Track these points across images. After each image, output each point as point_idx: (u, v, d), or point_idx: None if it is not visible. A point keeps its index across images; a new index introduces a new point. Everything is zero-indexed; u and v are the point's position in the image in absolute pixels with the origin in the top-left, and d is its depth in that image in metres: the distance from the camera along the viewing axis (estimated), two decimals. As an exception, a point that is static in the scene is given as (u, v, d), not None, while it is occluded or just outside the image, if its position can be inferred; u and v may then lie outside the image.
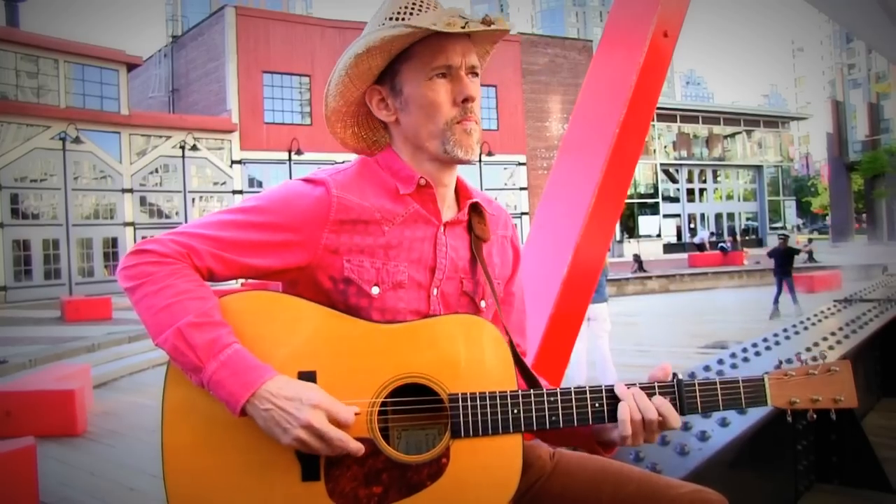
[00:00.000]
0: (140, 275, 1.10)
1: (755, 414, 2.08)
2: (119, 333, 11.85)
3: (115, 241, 23.29)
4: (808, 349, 3.00)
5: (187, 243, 1.13)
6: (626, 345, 10.22)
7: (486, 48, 1.33)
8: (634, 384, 1.19)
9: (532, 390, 1.16)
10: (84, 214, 22.85)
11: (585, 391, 1.17)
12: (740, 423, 2.02)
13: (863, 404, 3.63)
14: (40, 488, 4.61)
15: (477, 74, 1.25)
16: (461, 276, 1.27)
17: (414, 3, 1.21)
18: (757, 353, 2.89)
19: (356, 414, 1.08)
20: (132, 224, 23.61)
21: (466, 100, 1.21)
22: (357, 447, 1.06)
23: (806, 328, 3.60)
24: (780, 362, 1.26)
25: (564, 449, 1.34)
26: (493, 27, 1.19)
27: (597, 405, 1.17)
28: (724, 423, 2.00)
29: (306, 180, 1.22)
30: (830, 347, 3.06)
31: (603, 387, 1.18)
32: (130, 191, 23.60)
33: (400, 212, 1.22)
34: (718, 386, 1.20)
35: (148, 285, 1.09)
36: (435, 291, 1.23)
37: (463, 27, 1.16)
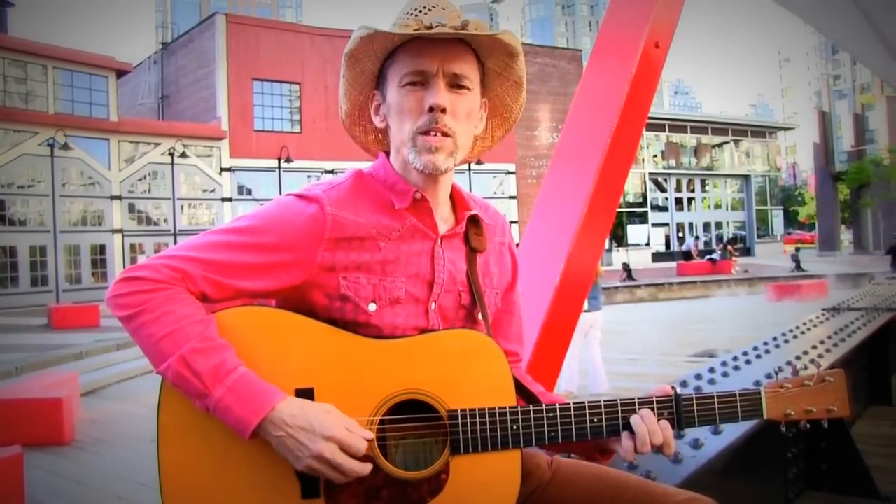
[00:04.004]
0: (136, 303, 1.06)
1: (747, 422, 2.09)
2: (107, 341, 11.75)
3: (102, 248, 23.09)
4: (798, 357, 3.02)
5: (180, 268, 1.09)
6: (616, 353, 10.24)
7: (504, 61, 1.22)
8: (633, 399, 1.18)
9: (531, 406, 1.15)
10: (72, 221, 22.66)
11: (584, 407, 1.16)
12: (732, 431, 2.03)
13: (851, 412, 3.65)
14: (27, 498, 4.57)
15: (463, 86, 1.17)
16: (459, 288, 1.24)
17: (423, 5, 1.16)
18: (748, 362, 2.91)
19: (368, 441, 1.07)
20: (120, 231, 23.42)
21: (433, 108, 1.14)
22: (366, 469, 1.06)
23: (795, 336, 3.62)
24: (776, 372, 1.26)
25: (562, 456, 1.34)
26: (463, 32, 1.12)
27: (595, 420, 1.16)
28: (716, 431, 2.01)
29: (300, 196, 1.18)
30: (820, 356, 3.08)
31: (602, 402, 1.17)
32: (119, 198, 23.43)
33: (396, 226, 1.19)
34: (716, 400, 1.19)
35: (146, 314, 1.05)
36: (433, 306, 1.21)
37: (416, 29, 1.11)
